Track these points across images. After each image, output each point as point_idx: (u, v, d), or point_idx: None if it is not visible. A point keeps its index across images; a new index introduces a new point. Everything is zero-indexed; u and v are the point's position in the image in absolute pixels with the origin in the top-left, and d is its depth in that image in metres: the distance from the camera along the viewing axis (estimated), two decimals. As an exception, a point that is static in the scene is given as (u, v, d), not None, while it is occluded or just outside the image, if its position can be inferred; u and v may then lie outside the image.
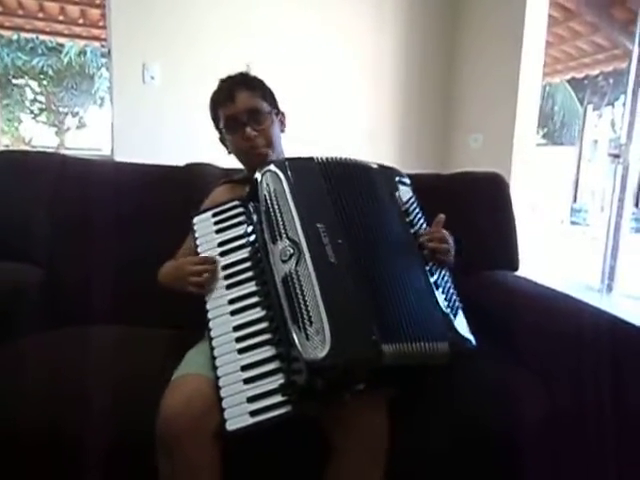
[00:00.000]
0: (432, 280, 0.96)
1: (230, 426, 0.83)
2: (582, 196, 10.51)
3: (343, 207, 0.95)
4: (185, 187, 1.46)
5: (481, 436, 0.98)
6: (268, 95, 1.22)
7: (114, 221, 1.40)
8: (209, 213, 1.07)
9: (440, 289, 0.96)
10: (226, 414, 0.84)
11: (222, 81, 1.23)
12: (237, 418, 0.83)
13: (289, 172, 0.97)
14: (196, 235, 1.05)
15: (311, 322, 0.81)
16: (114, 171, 1.57)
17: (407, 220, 1.03)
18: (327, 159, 1.01)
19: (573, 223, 9.70)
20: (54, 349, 1.13)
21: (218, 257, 0.99)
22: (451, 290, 0.98)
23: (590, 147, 11.05)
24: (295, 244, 0.88)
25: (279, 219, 0.92)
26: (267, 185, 0.96)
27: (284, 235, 0.90)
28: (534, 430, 0.99)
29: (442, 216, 1.03)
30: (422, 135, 3.40)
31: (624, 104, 3.66)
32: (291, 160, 1.01)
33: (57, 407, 0.96)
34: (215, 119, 1.23)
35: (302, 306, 0.83)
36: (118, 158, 2.72)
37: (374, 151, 3.22)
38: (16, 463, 0.96)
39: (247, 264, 0.97)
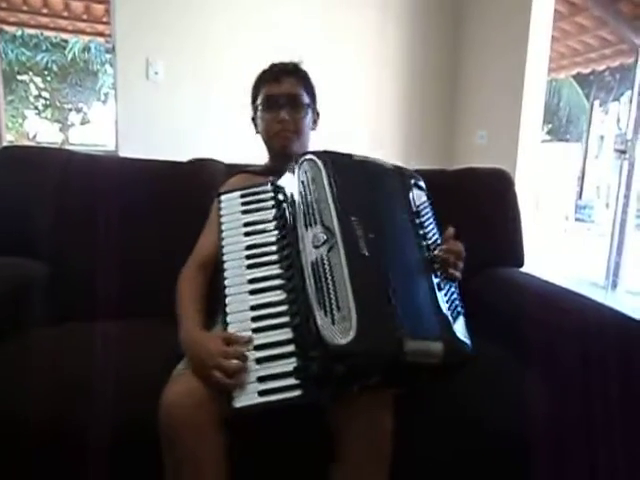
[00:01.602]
0: (435, 281, 0.96)
1: (237, 403, 0.82)
2: (587, 192, 10.47)
3: (373, 205, 0.97)
4: (189, 182, 1.46)
5: (486, 437, 0.98)
6: (310, 91, 1.27)
7: (119, 216, 1.40)
8: (237, 193, 1.07)
9: (442, 291, 0.96)
10: (233, 392, 0.83)
11: (272, 64, 1.27)
12: (245, 396, 0.82)
13: (328, 163, 0.98)
14: (222, 212, 1.05)
15: (339, 308, 0.81)
16: (119, 167, 1.58)
17: (417, 222, 1.03)
18: (362, 157, 1.04)
19: (578, 220, 9.67)
20: (58, 343, 1.13)
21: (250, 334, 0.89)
22: (454, 295, 0.99)
23: (596, 143, 10.99)
24: (329, 231, 0.88)
25: (314, 206, 0.92)
26: (305, 172, 0.97)
27: (319, 221, 0.90)
28: (540, 430, 0.99)
29: (452, 230, 1.03)
30: (427, 132, 3.39)
31: (630, 100, 3.63)
32: (330, 153, 1.01)
33: (61, 400, 0.97)
34: (255, 96, 1.26)
35: (331, 291, 0.83)
36: (122, 154, 2.72)
37: (379, 148, 3.21)
38: (20, 455, 0.96)
39: (271, 247, 0.96)
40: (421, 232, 1.02)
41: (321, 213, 0.91)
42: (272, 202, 1.02)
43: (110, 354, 1.06)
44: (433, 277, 0.97)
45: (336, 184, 0.94)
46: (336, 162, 0.99)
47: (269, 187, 1.05)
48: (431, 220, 1.07)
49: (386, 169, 1.08)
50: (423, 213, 1.06)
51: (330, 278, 0.84)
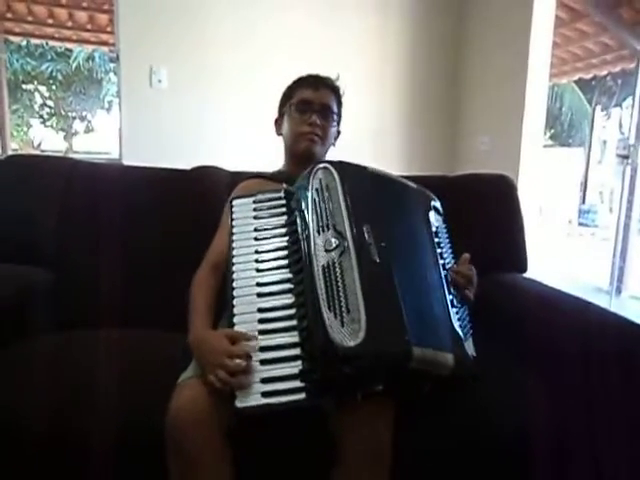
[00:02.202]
0: (449, 298, 1.00)
1: (240, 403, 0.82)
2: (591, 197, 10.46)
3: (387, 217, 0.99)
4: (193, 190, 1.47)
5: (488, 438, 0.98)
6: (340, 108, 1.33)
7: (123, 225, 1.41)
8: (250, 199, 1.08)
9: (455, 309, 1.00)
10: (237, 391, 0.83)
11: (311, 74, 1.32)
12: (248, 396, 0.82)
13: (342, 172, 0.99)
14: (233, 216, 1.06)
15: (348, 310, 0.82)
16: (123, 175, 1.59)
17: (436, 241, 1.07)
18: (377, 170, 1.07)
19: (581, 224, 9.64)
20: (62, 350, 1.14)
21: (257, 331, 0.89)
22: (465, 315, 1.03)
23: (599, 148, 10.99)
24: (341, 236, 0.90)
25: (327, 212, 0.94)
26: (320, 180, 0.99)
27: (331, 227, 0.92)
28: (543, 432, 0.99)
29: (467, 255, 1.08)
30: (429, 137, 3.39)
31: (632, 105, 3.64)
32: (345, 163, 1.04)
33: (64, 406, 0.97)
34: (287, 97, 1.31)
35: (341, 294, 0.84)
36: (126, 161, 2.74)
37: (381, 154, 3.22)
38: (24, 462, 0.97)
39: (282, 252, 0.97)
40: (438, 251, 1.06)
41: (334, 219, 0.92)
42: (284, 209, 1.04)
43: (113, 361, 1.07)
44: (447, 294, 1.00)
45: (350, 193, 0.96)
46: (350, 172, 1.01)
47: (282, 194, 1.06)
48: (447, 242, 1.11)
49: (405, 185, 1.12)
50: (440, 234, 1.10)
51: (341, 281, 0.85)
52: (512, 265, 1.49)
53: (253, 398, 0.82)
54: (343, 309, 0.82)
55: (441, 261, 1.05)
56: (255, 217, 1.04)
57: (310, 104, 1.25)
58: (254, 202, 1.07)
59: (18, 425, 0.96)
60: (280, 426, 0.90)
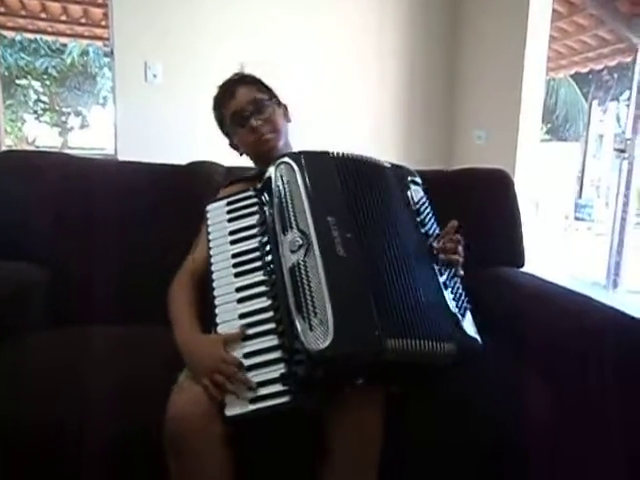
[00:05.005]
0: (441, 280, 0.97)
1: (229, 412, 0.83)
2: (587, 192, 10.47)
3: (355, 202, 0.95)
4: (188, 185, 1.46)
5: (483, 438, 0.97)
6: (265, 88, 1.25)
7: (118, 220, 1.40)
8: (223, 202, 1.07)
9: (449, 289, 0.97)
10: (226, 399, 0.84)
11: (220, 85, 1.26)
12: (236, 404, 0.83)
13: (303, 164, 0.97)
14: (208, 223, 1.05)
15: (315, 313, 0.82)
16: (118, 170, 1.57)
17: (418, 220, 1.04)
18: (342, 154, 1.02)
19: (578, 219, 9.66)
20: (57, 348, 1.13)
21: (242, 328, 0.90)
22: (459, 291, 0.99)
23: (595, 142, 10.99)
24: (305, 235, 0.88)
25: (290, 210, 0.92)
26: (280, 176, 0.97)
27: (294, 226, 0.90)
28: (539, 431, 0.98)
29: (455, 222, 1.03)
30: (426, 132, 3.39)
31: (629, 99, 3.64)
32: (305, 153, 1.01)
33: (59, 405, 0.96)
34: (221, 122, 1.26)
35: (307, 296, 0.83)
36: (121, 157, 2.72)
37: (378, 148, 3.20)
38: (16, 463, 0.96)
39: (256, 254, 0.96)
40: (422, 230, 1.02)
41: (296, 217, 0.91)
42: (256, 207, 1.02)
43: (109, 359, 1.06)
44: (439, 276, 0.97)
45: (311, 185, 0.94)
46: (312, 162, 0.98)
47: (252, 192, 1.04)
48: (430, 216, 1.06)
49: (377, 166, 1.07)
50: (422, 210, 1.05)
51: (307, 283, 0.84)
52: (509, 259, 1.49)
53: (241, 406, 0.83)
54: (310, 312, 0.82)
55: (428, 242, 1.00)
56: (229, 220, 1.04)
57: (240, 112, 1.18)
58: (227, 204, 1.06)
59: (11, 424, 0.95)
60: (270, 425, 0.89)
